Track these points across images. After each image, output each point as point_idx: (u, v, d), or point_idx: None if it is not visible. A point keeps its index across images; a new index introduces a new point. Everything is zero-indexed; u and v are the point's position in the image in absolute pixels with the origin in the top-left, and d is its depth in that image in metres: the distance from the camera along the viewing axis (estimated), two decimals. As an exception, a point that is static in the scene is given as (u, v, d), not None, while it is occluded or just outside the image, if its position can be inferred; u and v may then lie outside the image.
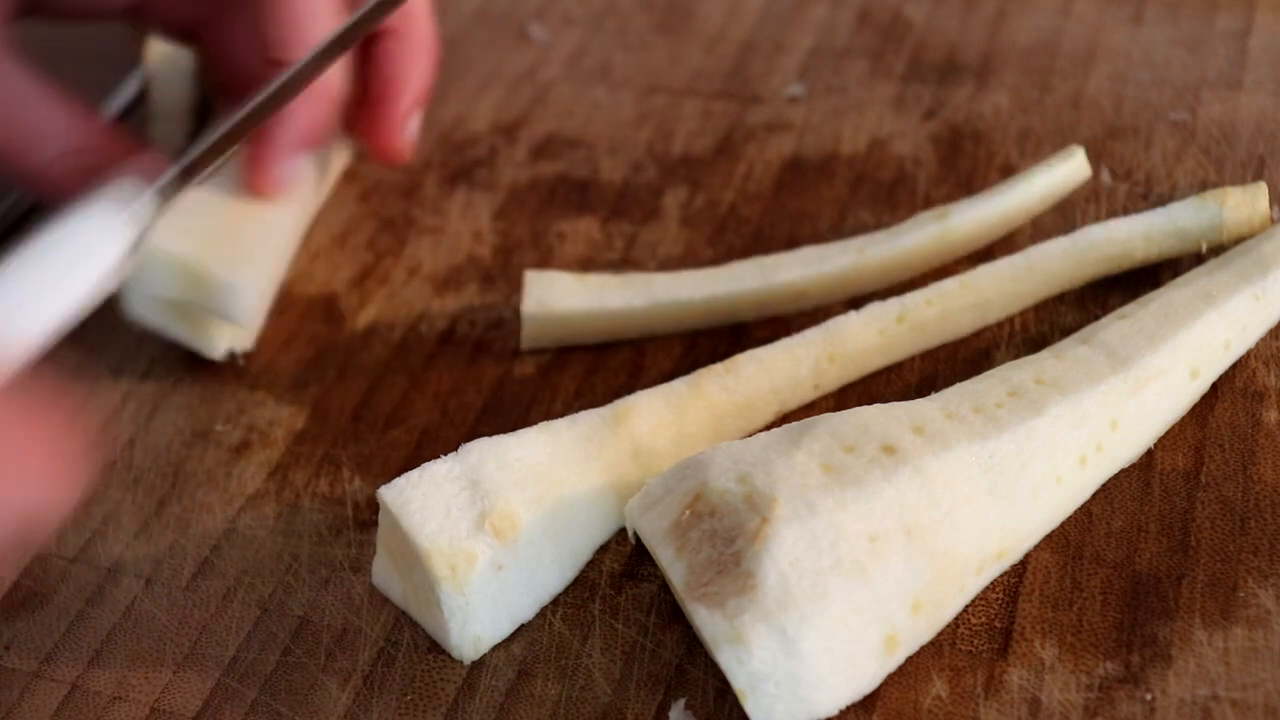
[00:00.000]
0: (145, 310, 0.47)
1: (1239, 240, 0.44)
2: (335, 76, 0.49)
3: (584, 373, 0.47)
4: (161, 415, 0.48)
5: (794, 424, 0.38)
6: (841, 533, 0.34)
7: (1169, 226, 0.45)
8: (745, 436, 0.43)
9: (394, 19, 0.49)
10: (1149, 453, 0.41)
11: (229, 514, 0.44)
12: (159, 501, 0.44)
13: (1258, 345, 0.43)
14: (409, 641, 0.39)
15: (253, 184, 0.48)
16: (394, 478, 0.39)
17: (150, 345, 0.50)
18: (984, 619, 0.37)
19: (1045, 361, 0.40)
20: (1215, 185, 0.49)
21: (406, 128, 0.51)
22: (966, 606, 0.38)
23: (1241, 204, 0.44)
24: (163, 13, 0.52)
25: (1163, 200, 0.48)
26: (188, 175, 0.38)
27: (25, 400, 0.30)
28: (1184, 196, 0.46)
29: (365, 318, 0.50)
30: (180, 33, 0.53)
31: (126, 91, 0.61)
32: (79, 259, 0.34)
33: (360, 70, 0.50)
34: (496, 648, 0.39)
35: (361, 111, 0.51)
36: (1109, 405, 0.39)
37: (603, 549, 0.41)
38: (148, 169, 0.45)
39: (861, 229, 0.50)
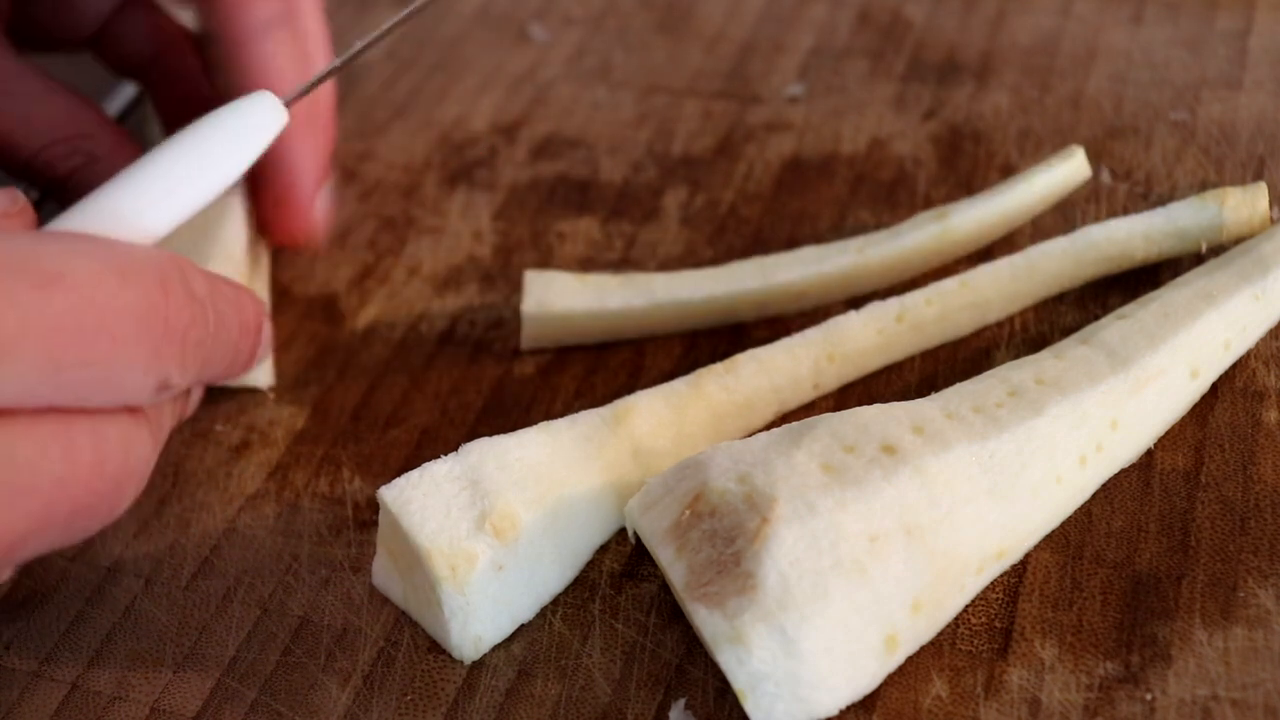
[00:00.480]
0: None
1: (1239, 240, 0.44)
2: (327, 102, 0.49)
3: (584, 373, 0.47)
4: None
5: (794, 424, 0.38)
6: (841, 533, 0.34)
7: (1169, 226, 0.45)
8: (745, 436, 0.43)
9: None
10: (1149, 453, 0.41)
11: (229, 514, 0.44)
12: (159, 501, 0.44)
13: (1258, 345, 0.43)
14: (409, 641, 0.39)
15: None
16: (394, 478, 0.39)
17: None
18: (984, 619, 0.37)
19: (1045, 361, 0.40)
20: (1215, 185, 0.49)
21: (314, 208, 0.49)
22: (966, 606, 0.38)
23: (1241, 204, 0.44)
24: (118, 44, 0.52)
25: (1163, 200, 0.48)
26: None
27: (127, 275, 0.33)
28: (1184, 196, 0.46)
29: (365, 318, 0.50)
30: (132, 69, 0.53)
31: (126, 91, 0.61)
32: (227, 146, 0.38)
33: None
34: (496, 648, 0.39)
35: (262, 199, 0.49)
36: (1109, 405, 0.39)
37: (603, 549, 0.41)
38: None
39: (861, 229, 0.50)
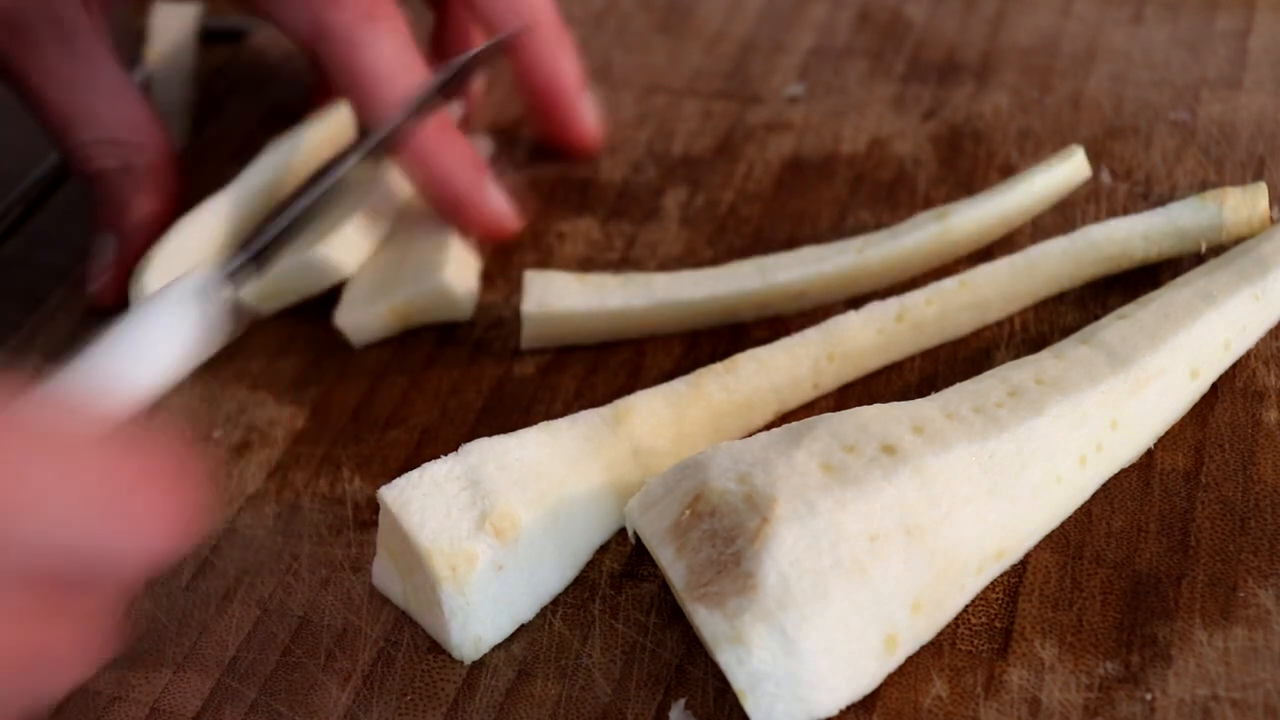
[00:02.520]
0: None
1: (1239, 240, 0.44)
2: (554, 20, 0.52)
3: (584, 373, 0.47)
4: (161, 415, 0.48)
5: (794, 424, 0.38)
6: (841, 532, 0.34)
7: (1168, 226, 0.45)
8: (745, 436, 0.43)
9: (518, 28, 0.51)
10: (1149, 453, 0.41)
11: (229, 514, 0.44)
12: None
13: (1258, 345, 0.43)
14: (409, 641, 0.39)
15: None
16: (394, 478, 0.39)
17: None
18: (984, 619, 0.37)
19: (1045, 361, 0.40)
20: (1215, 185, 0.49)
21: (585, 115, 0.54)
22: (966, 606, 0.38)
23: (1241, 204, 0.44)
24: None
25: (1163, 200, 0.48)
26: (259, 261, 0.41)
27: (133, 450, 0.31)
28: (1184, 196, 0.46)
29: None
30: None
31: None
32: (158, 341, 0.36)
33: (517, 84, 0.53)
34: (496, 648, 0.39)
35: (537, 119, 0.54)
36: (1109, 405, 0.39)
37: (603, 549, 0.41)
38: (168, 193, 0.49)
39: (861, 229, 0.50)
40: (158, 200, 0.50)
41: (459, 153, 0.49)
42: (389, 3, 0.49)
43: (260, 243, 0.42)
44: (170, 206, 0.51)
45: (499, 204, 0.50)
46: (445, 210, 0.50)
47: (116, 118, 0.49)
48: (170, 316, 0.36)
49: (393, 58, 0.48)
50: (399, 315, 0.48)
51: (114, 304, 0.50)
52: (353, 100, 0.48)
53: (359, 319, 0.48)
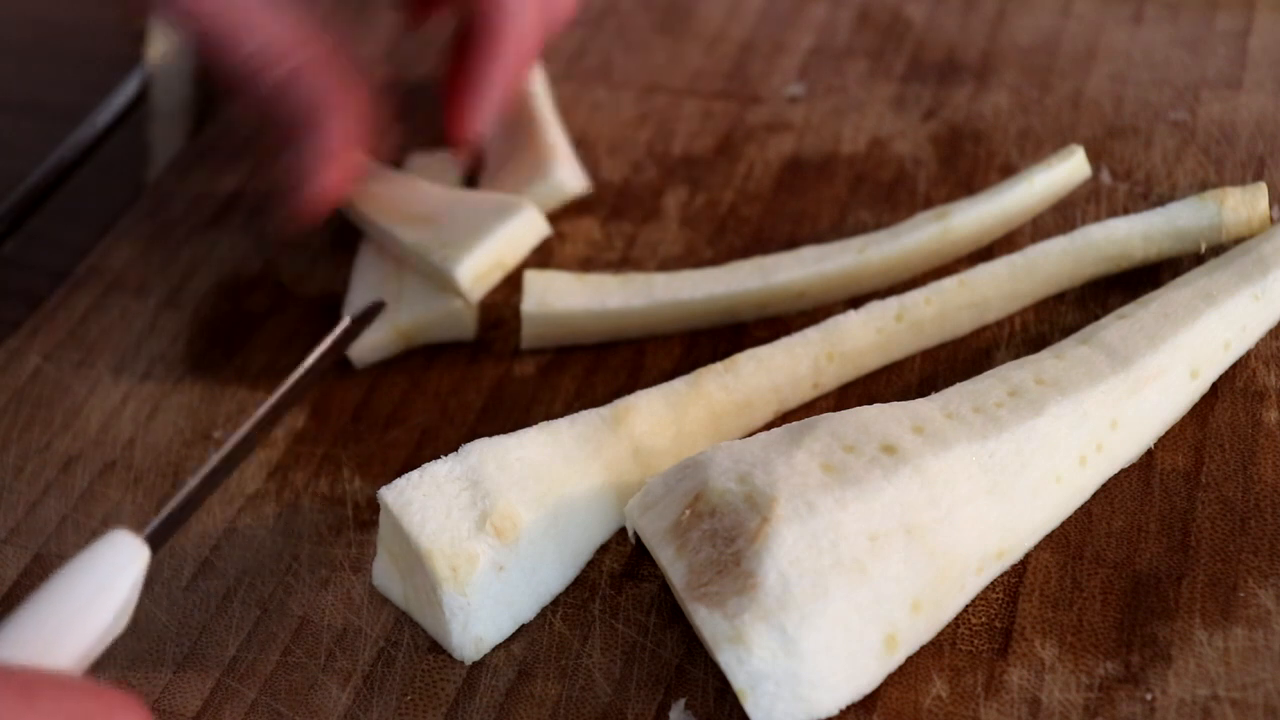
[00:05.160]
0: None
1: (1239, 240, 0.44)
2: (531, 40, 0.50)
3: (584, 373, 0.47)
4: (161, 415, 0.48)
5: (794, 424, 0.38)
6: (842, 532, 0.34)
7: (1168, 226, 0.45)
8: (745, 436, 0.43)
9: (490, 9, 0.50)
10: (1149, 453, 0.41)
11: (229, 514, 0.44)
12: (159, 501, 0.44)
13: (1258, 345, 0.43)
14: (409, 641, 0.39)
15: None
16: (394, 478, 0.39)
17: (150, 345, 0.50)
18: (984, 619, 0.37)
19: (1045, 361, 0.40)
20: (1215, 185, 0.49)
21: (473, 120, 0.51)
22: (966, 606, 0.38)
23: (1241, 204, 0.44)
24: None
25: (1163, 200, 0.48)
26: (173, 523, 0.38)
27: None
28: (1184, 196, 0.46)
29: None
30: None
31: (126, 91, 0.61)
32: (82, 606, 0.35)
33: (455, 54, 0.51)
34: (496, 648, 0.39)
35: (445, 92, 0.51)
36: (1109, 405, 0.39)
37: (603, 549, 0.41)
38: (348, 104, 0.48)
39: (861, 229, 0.50)
40: (338, 98, 0.49)
41: (508, 67, 0.49)
42: None
43: (174, 506, 0.38)
44: (352, 103, 0.49)
45: (479, 126, 0.50)
46: (453, 86, 0.50)
47: (275, 26, 0.48)
48: (94, 582, 0.35)
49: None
50: (404, 335, 0.48)
51: (315, 222, 0.49)
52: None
53: (363, 341, 0.47)
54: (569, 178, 0.51)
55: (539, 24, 0.51)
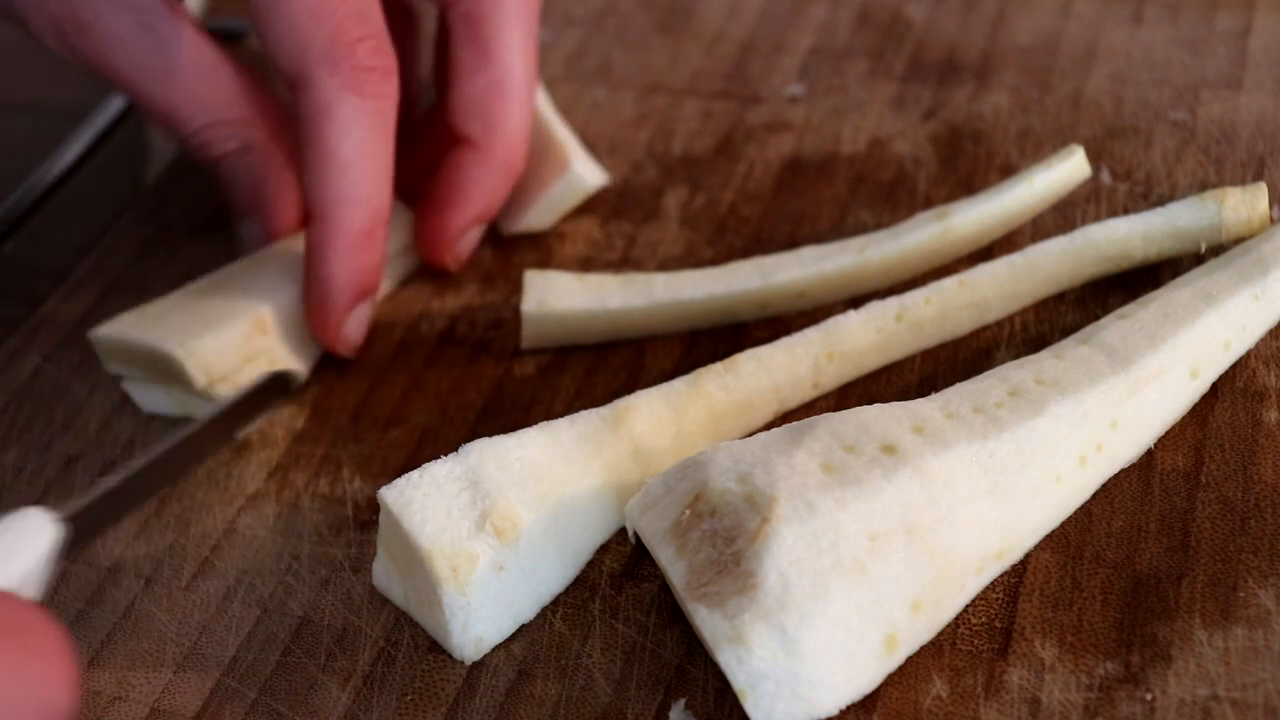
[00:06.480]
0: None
1: (1239, 240, 0.44)
2: (520, 150, 0.49)
3: (584, 373, 0.47)
4: (161, 415, 0.48)
5: (794, 424, 0.38)
6: (841, 532, 0.34)
7: (1168, 226, 0.45)
8: (745, 435, 0.43)
9: (476, 129, 0.48)
10: (1149, 453, 0.41)
11: (229, 514, 0.44)
12: (159, 501, 0.44)
13: (1258, 345, 0.43)
14: (409, 641, 0.39)
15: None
16: (394, 478, 0.39)
17: (150, 345, 0.50)
18: (984, 619, 0.37)
19: (1045, 361, 0.40)
20: (1215, 185, 0.49)
21: (460, 242, 0.50)
22: (966, 606, 0.38)
23: (1241, 204, 0.44)
24: None
25: (1163, 200, 0.48)
26: (99, 512, 0.38)
27: None
28: (1184, 196, 0.46)
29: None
30: None
31: (118, 102, 0.61)
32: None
33: (433, 173, 0.50)
34: (496, 648, 0.39)
35: (420, 212, 0.50)
36: (1109, 405, 0.39)
37: (603, 549, 0.41)
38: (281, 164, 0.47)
39: (861, 229, 0.50)
40: (290, 172, 0.48)
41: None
42: (388, 74, 0.45)
43: (96, 494, 0.39)
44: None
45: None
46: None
47: (222, 97, 0.47)
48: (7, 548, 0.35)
49: (360, 144, 0.44)
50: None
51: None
52: (303, 160, 0.45)
53: None
54: (589, 173, 0.52)
55: (527, 129, 0.50)
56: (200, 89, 0.46)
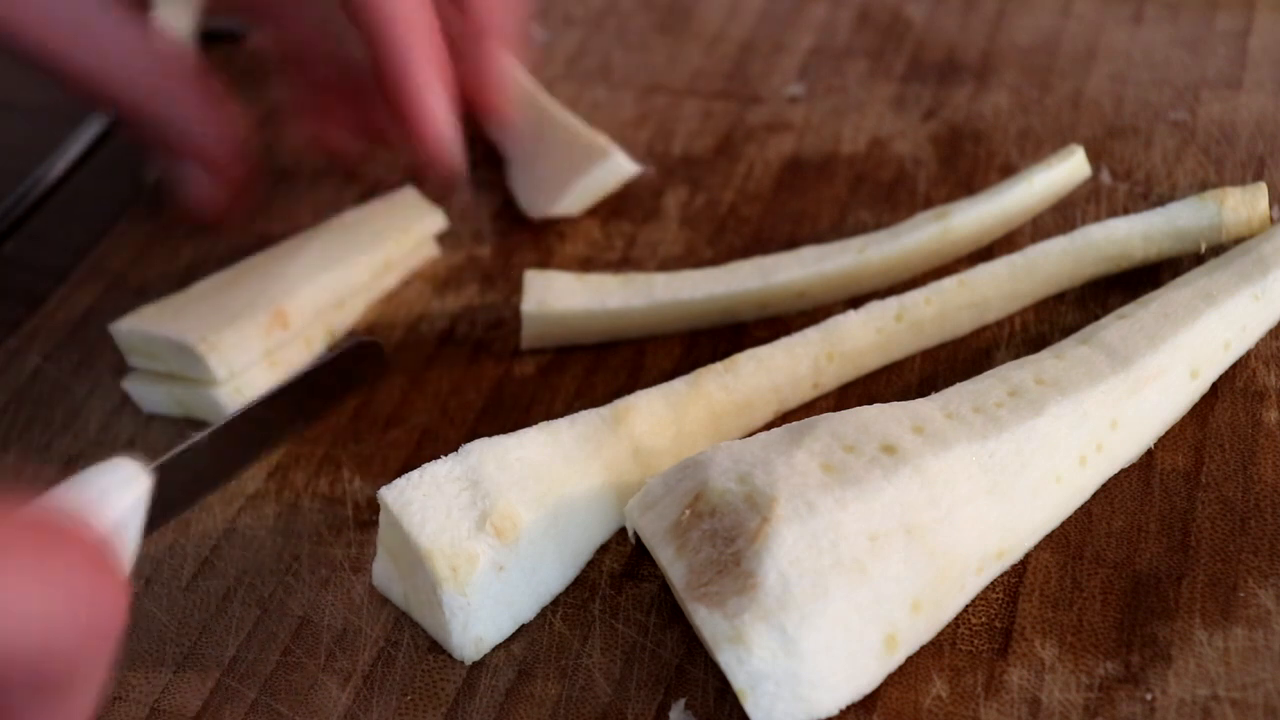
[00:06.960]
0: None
1: (1239, 240, 0.44)
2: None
3: (584, 373, 0.47)
4: (162, 415, 0.48)
5: (794, 424, 0.38)
6: (842, 532, 0.34)
7: (1168, 226, 0.45)
8: (745, 435, 0.43)
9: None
10: (1149, 453, 0.41)
11: (229, 514, 0.44)
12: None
13: (1258, 345, 0.43)
14: (409, 641, 0.39)
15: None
16: (394, 478, 0.39)
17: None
18: (984, 619, 0.37)
19: (1045, 361, 0.40)
20: (1215, 185, 0.49)
21: (497, 70, 0.49)
22: (966, 606, 0.38)
23: (1241, 204, 0.44)
24: None
25: (1163, 200, 0.48)
26: (185, 464, 0.39)
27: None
28: (1184, 196, 0.46)
29: (365, 318, 0.50)
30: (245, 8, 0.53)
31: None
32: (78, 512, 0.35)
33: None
34: (496, 648, 0.39)
35: (454, 68, 0.48)
36: (1109, 405, 0.39)
37: (603, 549, 0.41)
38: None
39: (861, 229, 0.50)
40: (209, 111, 0.47)
41: (435, 63, 0.46)
42: None
43: (184, 446, 0.40)
44: (221, 113, 0.48)
45: (441, 125, 0.46)
46: (385, 94, 0.47)
47: (125, 51, 0.46)
48: (90, 495, 0.35)
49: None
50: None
51: (223, 223, 0.49)
52: (374, 47, 0.45)
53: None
54: (624, 160, 0.52)
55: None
56: (106, 45, 0.46)
